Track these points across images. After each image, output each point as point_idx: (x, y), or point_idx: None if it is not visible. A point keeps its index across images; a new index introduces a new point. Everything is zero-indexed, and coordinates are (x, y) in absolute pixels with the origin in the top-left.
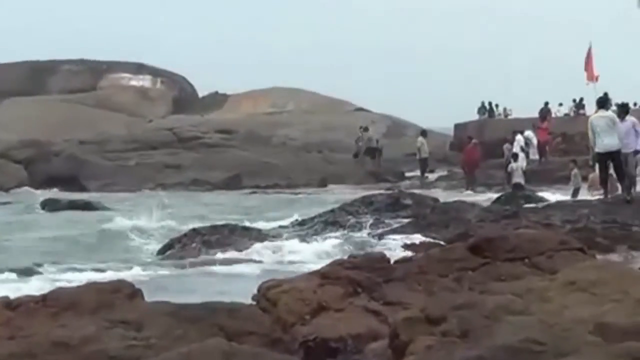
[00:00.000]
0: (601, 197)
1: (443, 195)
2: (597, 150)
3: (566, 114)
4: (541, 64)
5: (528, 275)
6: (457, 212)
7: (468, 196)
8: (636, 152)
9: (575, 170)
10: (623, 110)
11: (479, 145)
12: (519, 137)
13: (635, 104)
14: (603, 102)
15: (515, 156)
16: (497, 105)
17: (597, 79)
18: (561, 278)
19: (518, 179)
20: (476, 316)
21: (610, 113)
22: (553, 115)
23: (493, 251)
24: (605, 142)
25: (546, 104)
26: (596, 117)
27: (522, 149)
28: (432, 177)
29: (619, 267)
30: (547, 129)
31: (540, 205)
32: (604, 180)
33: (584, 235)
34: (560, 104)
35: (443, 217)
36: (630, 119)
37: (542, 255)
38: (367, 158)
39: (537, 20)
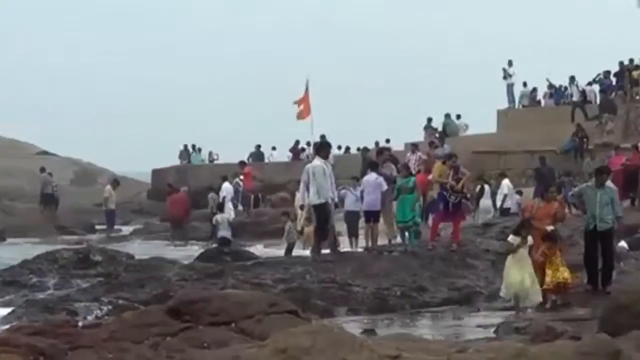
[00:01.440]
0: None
1: (139, 251)
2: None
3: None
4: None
5: (235, 341)
6: (154, 270)
7: (168, 252)
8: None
9: (290, 224)
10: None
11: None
12: (225, 185)
13: (339, 147)
14: (318, 149)
15: (221, 207)
16: (200, 150)
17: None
18: (271, 345)
19: (224, 232)
20: None
21: (317, 162)
22: (266, 160)
23: (195, 314)
24: (307, 196)
25: (258, 147)
26: (307, 166)
27: (224, 200)
28: (126, 229)
29: (337, 333)
30: (251, 175)
31: (249, 262)
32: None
33: (298, 296)
34: (274, 148)
35: (138, 275)
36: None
37: (251, 319)
38: (44, 207)
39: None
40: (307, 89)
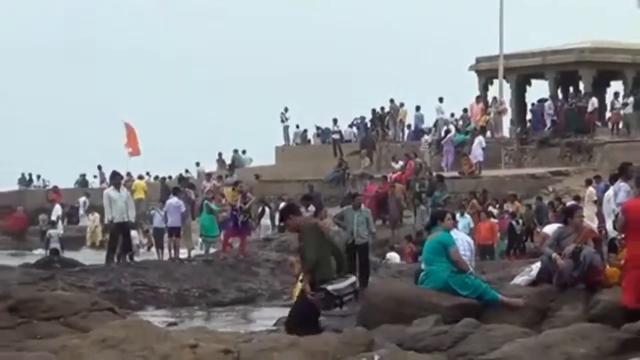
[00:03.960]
0: None
1: None
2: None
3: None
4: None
5: (63, 333)
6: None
7: (8, 260)
8: None
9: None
10: None
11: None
12: (57, 206)
13: (148, 174)
14: (110, 178)
15: (53, 223)
16: (39, 176)
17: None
18: (93, 336)
19: (55, 244)
20: None
21: (108, 190)
22: (90, 187)
23: (30, 311)
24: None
25: (83, 175)
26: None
27: (58, 218)
28: None
29: (146, 326)
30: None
31: (75, 269)
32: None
33: (115, 296)
34: (95, 176)
35: None
36: None
37: (76, 315)
38: None
39: None
40: (127, 127)
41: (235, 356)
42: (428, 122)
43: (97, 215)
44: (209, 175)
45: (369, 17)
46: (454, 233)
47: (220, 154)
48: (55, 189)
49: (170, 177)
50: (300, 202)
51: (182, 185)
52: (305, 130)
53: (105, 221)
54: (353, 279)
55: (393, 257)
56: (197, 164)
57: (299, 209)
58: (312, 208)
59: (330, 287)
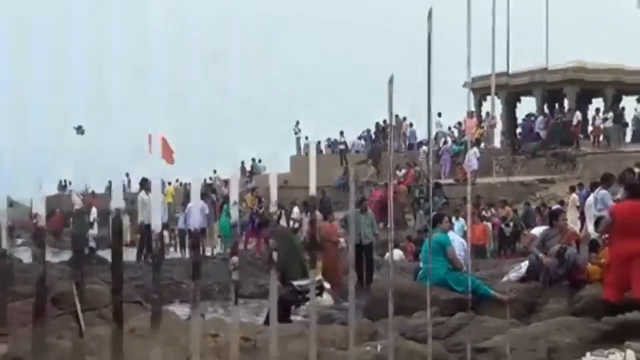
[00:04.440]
0: None
1: (26, 256)
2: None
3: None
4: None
5: (96, 323)
6: (36, 273)
7: (46, 257)
8: None
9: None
10: None
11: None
12: (93, 209)
13: (177, 180)
14: (141, 184)
15: (90, 225)
16: (70, 182)
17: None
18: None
19: (90, 243)
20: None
21: (140, 194)
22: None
23: (67, 303)
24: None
25: (110, 182)
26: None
27: (94, 220)
28: (19, 241)
29: (171, 317)
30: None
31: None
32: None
33: (143, 290)
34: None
35: (24, 275)
36: None
37: (107, 307)
38: None
39: None
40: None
41: (253, 344)
42: (422, 136)
43: None
44: (227, 182)
45: (370, 18)
46: (451, 234)
47: (242, 162)
48: (92, 194)
49: (187, 184)
50: (302, 208)
51: (207, 190)
52: (316, 141)
53: (138, 223)
54: (317, 278)
55: (397, 253)
56: (214, 171)
57: (274, 222)
58: (310, 214)
59: (295, 283)
